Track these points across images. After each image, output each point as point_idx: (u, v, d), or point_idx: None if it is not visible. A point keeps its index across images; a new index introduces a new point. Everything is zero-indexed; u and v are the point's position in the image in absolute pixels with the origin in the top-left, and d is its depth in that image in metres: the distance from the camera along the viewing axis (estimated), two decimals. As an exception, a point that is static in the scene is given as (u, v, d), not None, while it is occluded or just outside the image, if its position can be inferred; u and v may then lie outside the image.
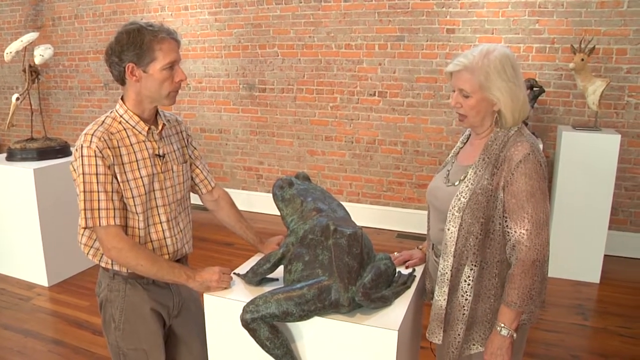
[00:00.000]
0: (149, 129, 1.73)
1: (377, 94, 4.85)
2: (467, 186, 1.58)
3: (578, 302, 3.55)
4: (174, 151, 1.83)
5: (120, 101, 1.73)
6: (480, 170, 1.58)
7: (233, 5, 5.27)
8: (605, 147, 3.67)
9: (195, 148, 1.97)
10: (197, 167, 1.96)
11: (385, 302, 1.49)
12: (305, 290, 1.42)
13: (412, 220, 4.82)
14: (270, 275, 1.65)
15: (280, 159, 5.40)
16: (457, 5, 4.41)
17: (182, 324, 1.91)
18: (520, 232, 1.51)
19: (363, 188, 5.09)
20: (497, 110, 1.57)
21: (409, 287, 1.64)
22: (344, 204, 1.80)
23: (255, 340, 1.44)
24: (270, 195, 1.76)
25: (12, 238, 3.88)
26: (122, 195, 1.66)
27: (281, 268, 1.61)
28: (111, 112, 1.74)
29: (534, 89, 4.00)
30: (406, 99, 4.75)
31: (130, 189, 1.67)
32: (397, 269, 1.66)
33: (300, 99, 5.18)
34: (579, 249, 3.81)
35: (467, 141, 1.78)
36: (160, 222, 1.76)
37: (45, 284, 3.80)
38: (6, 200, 3.82)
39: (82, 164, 1.60)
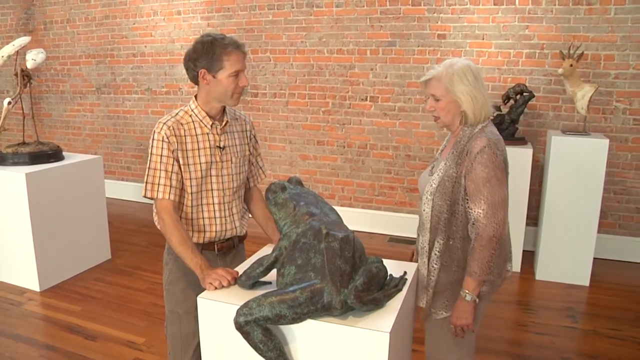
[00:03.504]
0: (213, 123, 2.00)
1: (368, 98, 4.88)
2: (438, 175, 1.89)
3: (568, 304, 3.59)
4: (235, 145, 2.08)
5: (193, 98, 2.02)
6: (449, 162, 1.88)
7: (225, 10, 5.29)
8: (594, 151, 3.71)
9: (255, 148, 2.23)
10: (252, 163, 2.23)
11: (377, 304, 1.51)
12: (298, 293, 1.43)
13: (404, 224, 4.85)
14: (263, 279, 1.67)
15: (272, 164, 5.41)
16: (448, 11, 4.46)
17: None
18: (478, 212, 1.77)
19: (355, 192, 5.11)
20: (463, 110, 1.86)
21: (400, 289, 1.65)
22: (336, 208, 1.82)
23: (249, 342, 1.45)
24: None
25: (4, 243, 3.86)
26: (182, 177, 1.94)
27: (274, 271, 1.62)
28: (185, 106, 2.02)
29: (524, 94, 4.05)
30: (398, 104, 4.78)
31: (189, 172, 1.95)
32: (389, 272, 1.67)
33: (292, 103, 5.20)
34: (568, 253, 3.85)
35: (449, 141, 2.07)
36: (213, 204, 2.02)
37: (37, 288, 3.78)
38: (-3, 204, 3.80)
39: (152, 146, 1.92)
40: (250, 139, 2.18)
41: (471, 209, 1.80)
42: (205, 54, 1.87)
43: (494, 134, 1.86)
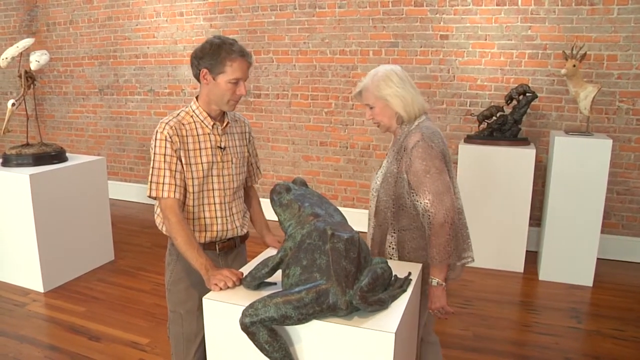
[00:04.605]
0: (214, 124, 2.02)
1: (371, 99, 4.87)
2: (381, 172, 2.06)
3: (571, 305, 3.58)
4: (235, 146, 2.11)
5: (194, 99, 2.04)
6: (390, 159, 2.03)
7: (228, 11, 5.30)
8: (597, 151, 3.71)
9: (254, 148, 2.27)
10: (251, 164, 2.27)
11: (382, 305, 1.51)
12: (303, 294, 1.43)
13: (407, 225, 4.84)
14: (268, 280, 1.67)
15: (275, 165, 5.42)
16: (451, 11, 4.46)
17: None
18: (425, 202, 1.89)
19: (358, 193, 5.11)
20: (396, 111, 1.99)
21: (405, 290, 1.65)
22: (339, 209, 1.82)
23: (255, 343, 1.45)
24: (266, 200, 1.81)
25: (8, 244, 3.87)
26: (184, 176, 1.96)
27: (279, 272, 1.62)
28: (186, 107, 2.04)
29: (527, 94, 4.05)
30: (400, 105, 4.78)
31: (191, 171, 1.98)
32: (394, 273, 1.68)
33: (295, 104, 5.21)
34: (572, 253, 3.85)
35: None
36: (214, 203, 2.05)
37: (41, 289, 3.79)
38: (2, 205, 3.81)
39: (155, 146, 1.93)
40: (250, 141, 2.22)
41: (418, 202, 1.91)
42: (210, 55, 1.89)
43: (429, 128, 1.99)
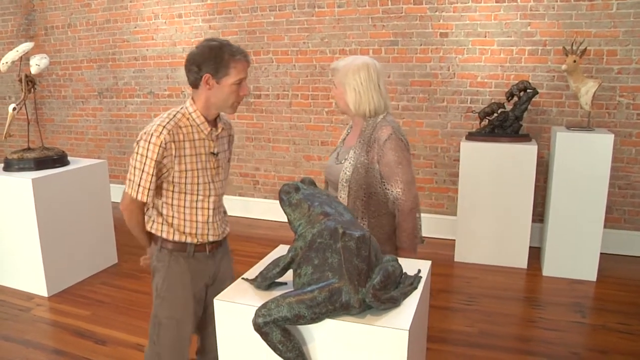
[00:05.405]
0: (211, 130, 2.00)
1: (372, 98, 4.87)
2: (350, 163, 2.13)
3: (576, 300, 3.59)
4: (225, 151, 2.13)
5: (191, 100, 1.99)
6: (358, 150, 2.12)
7: (227, 12, 5.29)
8: (598, 146, 3.72)
9: (231, 151, 2.28)
10: None
11: (394, 302, 1.51)
12: (316, 293, 1.43)
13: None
14: (278, 280, 1.67)
15: (276, 165, 5.41)
16: (450, 9, 4.47)
17: (213, 293, 2.05)
18: (397, 191, 2.06)
19: (360, 192, 5.11)
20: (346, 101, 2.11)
21: (415, 287, 1.65)
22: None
23: (268, 343, 1.45)
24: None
25: (11, 248, 3.86)
26: (177, 180, 1.97)
27: (290, 272, 1.62)
28: (182, 108, 1.99)
29: (527, 90, 4.06)
30: (401, 103, 4.79)
31: (187, 177, 1.97)
32: (404, 271, 1.68)
33: (295, 104, 5.21)
34: (575, 248, 3.86)
35: (351, 130, 2.34)
36: (208, 209, 2.06)
37: (45, 294, 3.78)
38: (4, 210, 3.80)
39: (146, 148, 1.89)
40: (232, 143, 2.24)
41: (389, 190, 2.07)
42: (213, 59, 1.86)
43: (394, 122, 2.17)
